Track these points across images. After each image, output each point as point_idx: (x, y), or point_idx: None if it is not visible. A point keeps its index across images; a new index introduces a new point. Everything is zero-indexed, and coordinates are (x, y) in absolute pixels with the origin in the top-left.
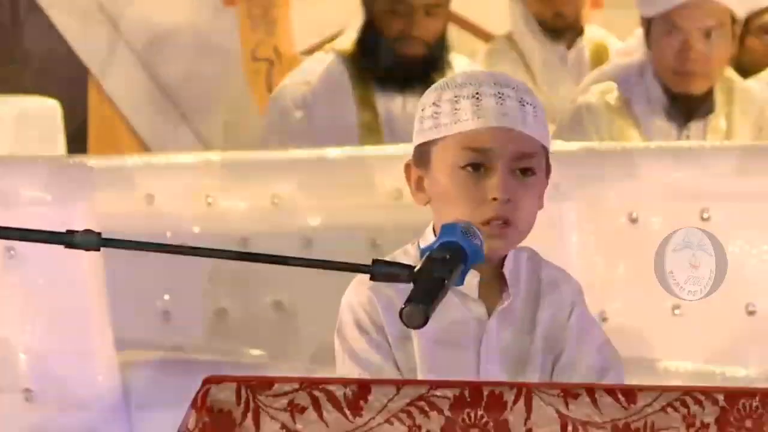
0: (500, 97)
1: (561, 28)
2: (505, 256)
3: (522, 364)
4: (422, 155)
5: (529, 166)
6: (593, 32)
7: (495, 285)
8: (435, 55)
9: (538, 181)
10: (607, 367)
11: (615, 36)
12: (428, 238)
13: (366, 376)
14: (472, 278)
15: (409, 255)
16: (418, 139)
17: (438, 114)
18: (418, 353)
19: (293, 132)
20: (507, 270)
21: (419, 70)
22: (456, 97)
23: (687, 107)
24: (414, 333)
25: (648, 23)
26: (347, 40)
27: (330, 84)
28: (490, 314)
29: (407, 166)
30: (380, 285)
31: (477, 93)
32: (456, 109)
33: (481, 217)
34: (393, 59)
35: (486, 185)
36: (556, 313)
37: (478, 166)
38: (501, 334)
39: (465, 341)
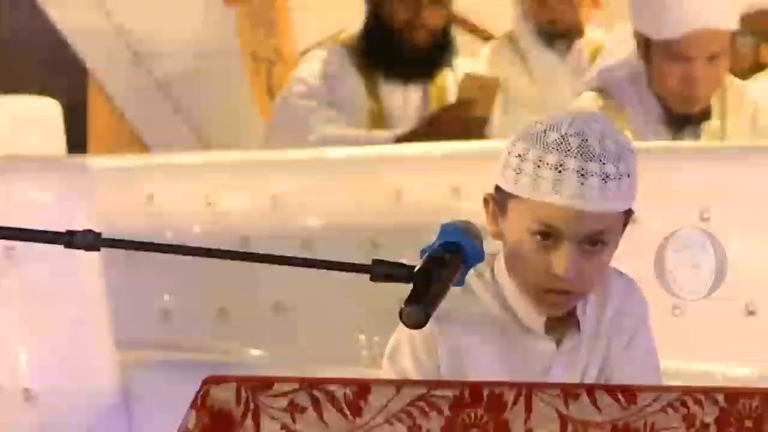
0: (582, 175)
1: (559, 32)
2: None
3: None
4: (501, 199)
5: (599, 239)
6: (593, 34)
7: (563, 318)
8: (440, 45)
9: (609, 251)
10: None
11: (614, 36)
12: (501, 263)
13: None
14: (539, 316)
15: (483, 278)
16: (500, 182)
17: (521, 171)
18: None
19: (307, 120)
20: (580, 313)
21: (424, 59)
22: (540, 160)
23: (684, 119)
24: (470, 372)
25: (646, 41)
26: (351, 34)
27: (338, 73)
28: (557, 347)
29: (486, 201)
30: (447, 320)
31: (560, 165)
32: (537, 176)
33: (545, 286)
34: (399, 48)
35: (553, 257)
36: (614, 333)
37: (548, 235)
38: (568, 370)
39: (530, 377)
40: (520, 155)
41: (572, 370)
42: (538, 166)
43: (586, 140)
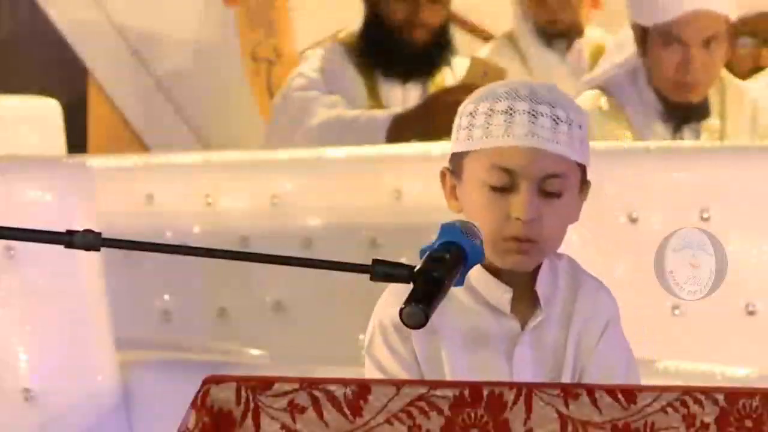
0: (533, 115)
1: (558, 32)
2: (538, 269)
3: (555, 378)
4: (456, 165)
5: (557, 187)
6: (592, 33)
7: (528, 298)
8: (439, 43)
9: (567, 200)
10: None
11: (614, 37)
12: None
13: None
14: (504, 294)
15: None
16: (453, 148)
17: (472, 126)
18: (449, 371)
19: (308, 121)
20: (540, 288)
21: (423, 58)
22: (490, 110)
23: (684, 114)
24: (444, 354)
25: (643, 32)
26: (350, 33)
27: (337, 71)
28: (523, 327)
29: (443, 174)
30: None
31: (510, 108)
32: (488, 124)
33: (505, 234)
34: (398, 47)
35: (511, 203)
36: (585, 334)
37: (505, 182)
38: (534, 349)
39: (497, 356)
40: (471, 113)
41: (539, 350)
42: (489, 116)
43: (535, 89)
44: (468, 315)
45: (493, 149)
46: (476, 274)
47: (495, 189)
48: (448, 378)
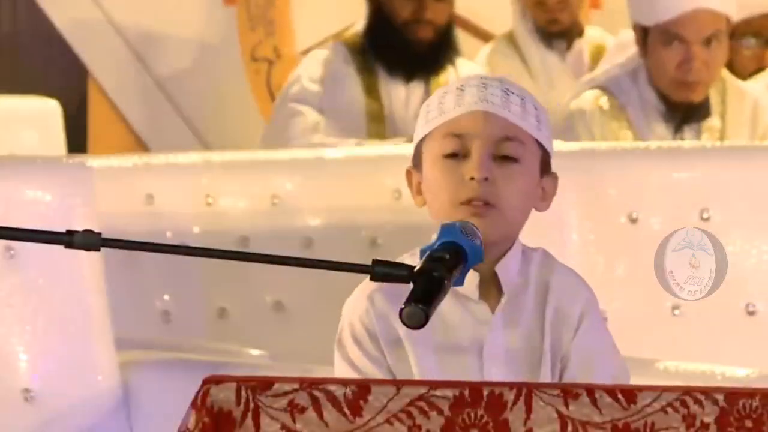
0: (483, 86)
1: (558, 32)
2: (506, 253)
3: (531, 368)
4: (416, 156)
5: (512, 150)
6: (592, 33)
7: (495, 284)
8: (443, 42)
9: (523, 169)
10: None
11: (614, 37)
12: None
13: None
14: (473, 279)
15: (415, 255)
16: (414, 143)
17: (429, 112)
18: (415, 360)
19: (305, 122)
20: (501, 270)
21: (428, 56)
22: (444, 93)
23: (684, 114)
24: (407, 346)
25: (643, 32)
26: (352, 32)
27: (338, 72)
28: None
29: (408, 172)
30: (377, 295)
31: (462, 86)
32: (441, 103)
33: (461, 198)
34: (403, 45)
35: (465, 167)
36: (560, 324)
37: (459, 152)
38: (506, 335)
39: (467, 345)
40: (427, 104)
41: (512, 335)
42: (443, 97)
43: (488, 76)
44: None
45: (446, 122)
46: None
47: (449, 156)
48: (415, 366)
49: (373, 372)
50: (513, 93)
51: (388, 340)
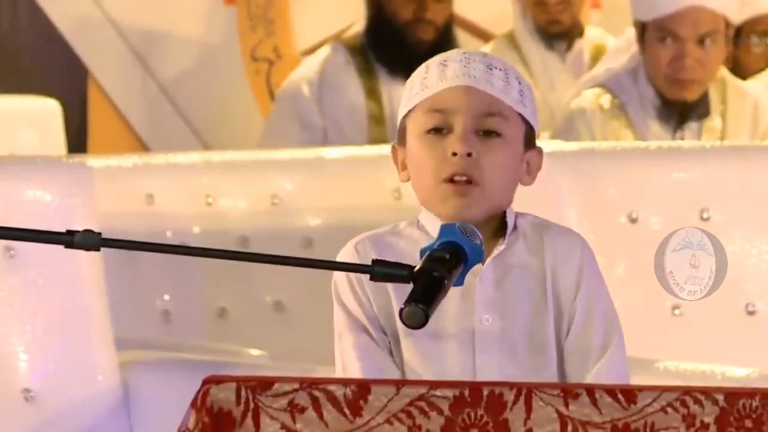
0: (466, 61)
1: (558, 33)
2: (504, 213)
3: (535, 314)
4: (401, 132)
5: (494, 125)
6: (593, 33)
7: (492, 242)
8: (443, 41)
9: (507, 144)
10: (608, 342)
11: (614, 37)
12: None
13: (351, 329)
14: None
15: (409, 226)
16: (399, 118)
17: (412, 88)
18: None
19: (304, 120)
20: (509, 219)
21: (428, 56)
22: (426, 69)
23: (681, 111)
24: (395, 290)
25: (642, 27)
26: (352, 33)
27: (337, 73)
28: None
29: (393, 149)
30: (364, 244)
31: (444, 60)
32: (424, 79)
33: (443, 174)
34: (403, 44)
35: (447, 142)
36: (561, 268)
37: (441, 128)
38: (498, 281)
39: (460, 294)
40: (411, 79)
41: (507, 279)
42: (426, 73)
43: (471, 51)
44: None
45: (429, 97)
46: (433, 225)
47: (431, 132)
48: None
49: (360, 315)
50: (496, 68)
51: (371, 284)
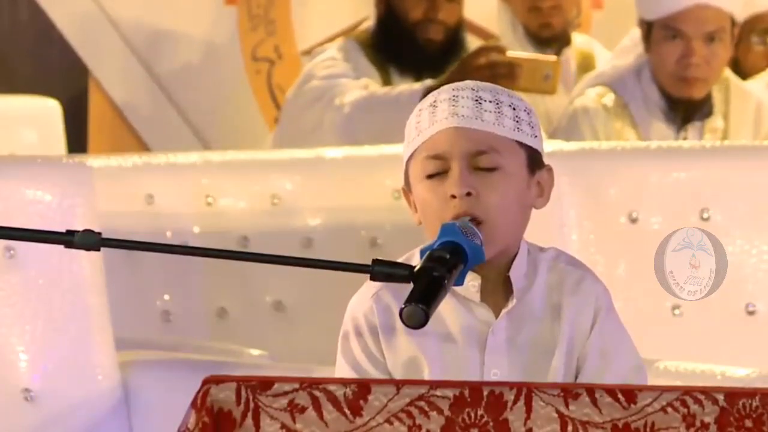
0: (454, 99)
1: (548, 38)
2: (514, 257)
3: (546, 370)
4: (406, 176)
5: (488, 162)
6: (579, 41)
7: (503, 290)
8: (453, 42)
9: (507, 176)
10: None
11: (603, 45)
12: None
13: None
14: (473, 281)
15: (415, 259)
16: (403, 163)
17: (408, 133)
18: (418, 348)
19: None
20: (513, 274)
21: (438, 56)
22: (419, 111)
23: (686, 111)
24: (411, 334)
25: (647, 27)
26: (361, 31)
27: (357, 63)
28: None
29: (404, 191)
30: (383, 293)
31: (434, 101)
32: (418, 123)
33: (447, 217)
34: (413, 44)
35: (447, 185)
36: (576, 326)
37: (440, 172)
38: (511, 335)
39: (469, 347)
40: (408, 123)
41: (518, 339)
42: (419, 116)
43: (462, 83)
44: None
45: (423, 143)
46: None
47: (431, 177)
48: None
49: (372, 371)
50: (485, 100)
51: (386, 327)
